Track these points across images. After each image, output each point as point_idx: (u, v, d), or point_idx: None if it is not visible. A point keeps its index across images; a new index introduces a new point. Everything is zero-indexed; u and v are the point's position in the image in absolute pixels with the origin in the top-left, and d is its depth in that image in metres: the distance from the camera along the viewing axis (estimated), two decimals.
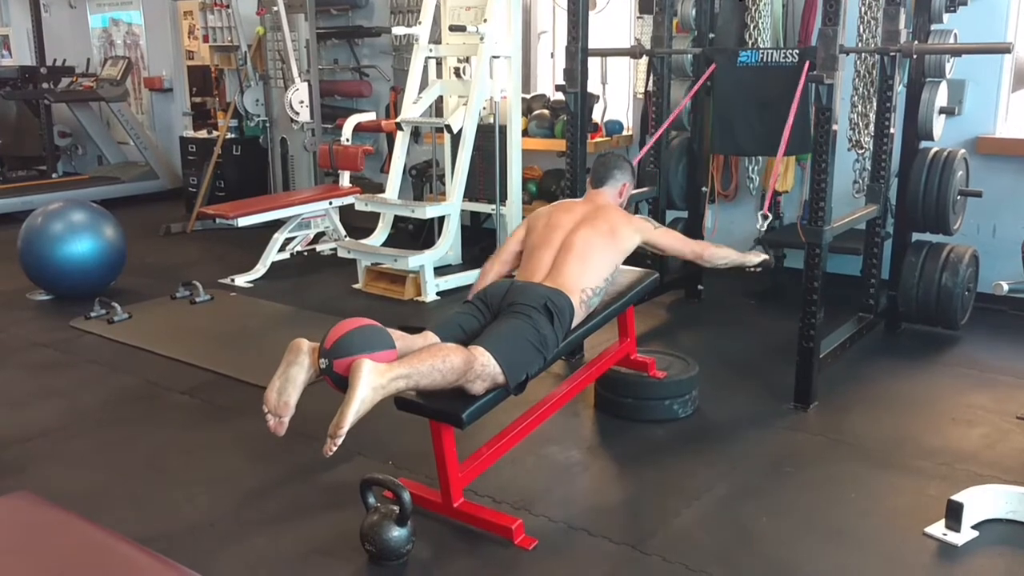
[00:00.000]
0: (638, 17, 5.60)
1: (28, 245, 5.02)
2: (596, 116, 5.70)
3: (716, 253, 3.39)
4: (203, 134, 7.72)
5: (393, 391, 2.39)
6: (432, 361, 2.42)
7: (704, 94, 4.60)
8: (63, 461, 3.19)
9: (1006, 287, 3.33)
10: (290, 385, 2.41)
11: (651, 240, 3.22)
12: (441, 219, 5.37)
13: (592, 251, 3.01)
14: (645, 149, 4.47)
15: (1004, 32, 4.50)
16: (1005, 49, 3.77)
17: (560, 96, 5.73)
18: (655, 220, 3.41)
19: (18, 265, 5.12)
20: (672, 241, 3.33)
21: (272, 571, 2.50)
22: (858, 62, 4.29)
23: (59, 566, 1.69)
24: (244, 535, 2.68)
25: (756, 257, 3.53)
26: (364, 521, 2.50)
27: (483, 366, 2.52)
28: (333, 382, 2.40)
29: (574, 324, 2.93)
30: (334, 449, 2.29)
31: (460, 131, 5.20)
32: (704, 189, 4.91)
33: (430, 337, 2.65)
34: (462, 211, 5.45)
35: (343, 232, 6.01)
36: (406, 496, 2.45)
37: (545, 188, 5.91)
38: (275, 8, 6.69)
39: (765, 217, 3.61)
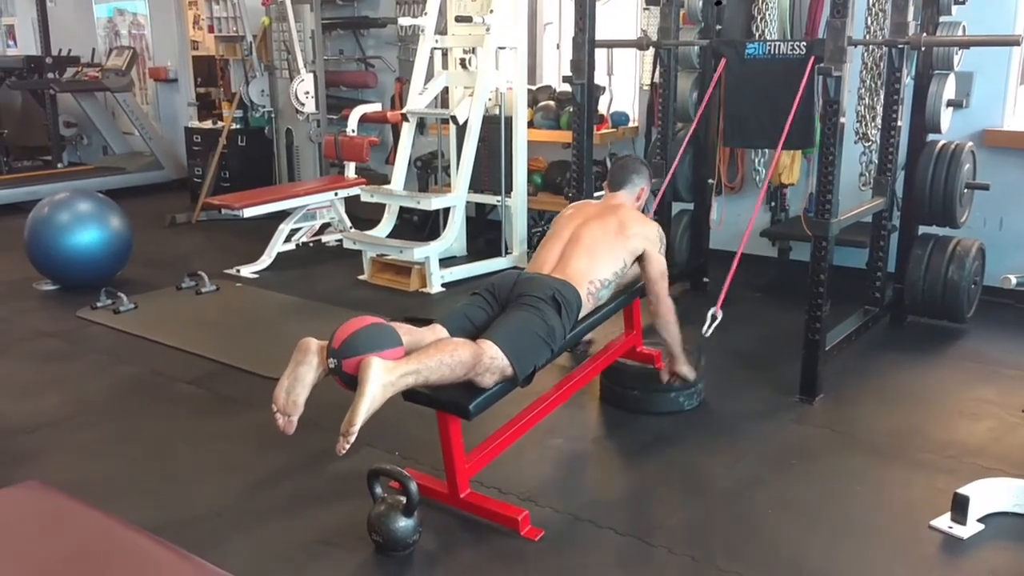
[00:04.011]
0: (645, 8, 5.58)
1: (34, 235, 5.03)
2: (602, 107, 5.69)
3: (669, 322, 3.26)
4: (208, 125, 7.72)
5: (403, 387, 2.40)
6: (440, 356, 2.43)
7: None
8: (71, 451, 3.21)
9: (1014, 280, 3.33)
10: (299, 384, 2.43)
11: (648, 256, 3.15)
12: (446, 210, 5.37)
13: (600, 244, 3.03)
14: (678, 157, 4.42)
15: (1013, 24, 4.47)
16: (1014, 42, 3.75)
17: (566, 87, 5.71)
18: (663, 242, 3.25)
19: (24, 255, 5.13)
20: (655, 273, 3.18)
21: (279, 560, 2.51)
22: (865, 54, 4.27)
23: (70, 555, 1.70)
24: (251, 524, 2.69)
25: (686, 367, 3.34)
26: (371, 511, 2.51)
27: (492, 359, 2.53)
28: (343, 381, 2.41)
29: (581, 315, 2.93)
30: (347, 447, 2.30)
31: (466, 122, 5.19)
32: (710, 181, 4.91)
33: (438, 330, 2.66)
34: (467, 202, 5.45)
35: (348, 223, 6.01)
36: (413, 487, 2.46)
37: (550, 179, 5.91)
38: None
39: (714, 319, 3.33)
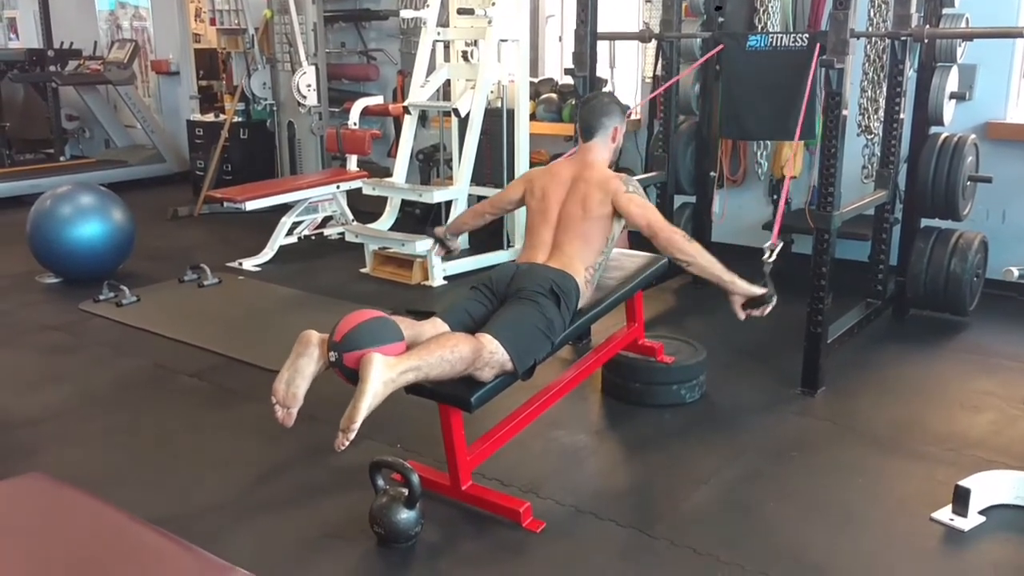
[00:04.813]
0: (647, 1, 5.57)
1: (37, 228, 5.04)
2: None
3: (679, 245, 2.86)
4: (210, 117, 7.71)
5: (403, 383, 2.40)
6: (441, 352, 2.43)
7: (713, 79, 4.59)
8: (73, 443, 3.22)
9: (1016, 273, 3.34)
10: (299, 376, 2.43)
11: (618, 206, 2.91)
12: (448, 203, 5.37)
13: (584, 226, 2.94)
14: (643, 100, 4.44)
15: (1016, 16, 4.46)
16: (1018, 34, 3.74)
17: (568, 80, 5.71)
18: (640, 192, 3.00)
19: (27, 248, 5.14)
20: (634, 210, 2.91)
21: (281, 552, 2.51)
22: (868, 46, 4.26)
23: (73, 546, 1.71)
24: (254, 516, 2.70)
25: (755, 288, 2.91)
26: (373, 503, 2.51)
27: (491, 353, 2.53)
28: (343, 374, 2.41)
29: (583, 303, 2.93)
30: (347, 443, 2.30)
31: (467, 115, 5.19)
32: (712, 174, 4.90)
33: (438, 324, 2.66)
34: (469, 195, 5.45)
35: (350, 216, 6.01)
36: (415, 479, 2.46)
37: None
38: None
39: (773, 249, 3.14)
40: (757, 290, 2.91)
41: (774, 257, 3.13)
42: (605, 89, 5.41)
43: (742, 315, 2.95)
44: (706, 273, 2.91)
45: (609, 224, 2.97)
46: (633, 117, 5.85)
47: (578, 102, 4.07)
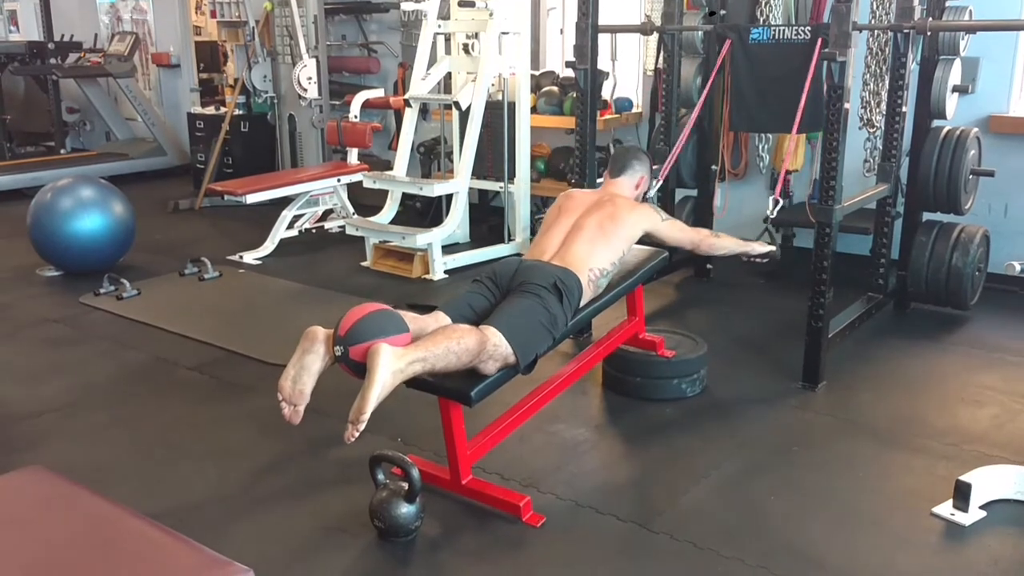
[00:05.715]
0: None
1: (37, 221, 5.03)
2: (606, 93, 5.67)
3: (714, 244, 3.40)
4: (211, 110, 7.70)
5: (411, 374, 2.39)
6: (447, 343, 2.42)
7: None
8: (74, 436, 3.22)
9: (1018, 267, 3.32)
10: (305, 373, 2.42)
11: (656, 231, 3.21)
12: (449, 197, 5.36)
13: (599, 235, 3.02)
14: (678, 148, 4.38)
15: (1020, 9, 4.43)
16: (1021, 27, 3.73)
17: (569, 73, 5.69)
18: (664, 211, 3.37)
19: (28, 241, 5.13)
20: (676, 234, 3.31)
21: (281, 546, 2.51)
22: (870, 39, 4.24)
23: (71, 539, 1.71)
24: (253, 510, 2.70)
25: (761, 247, 3.47)
26: (373, 497, 2.51)
27: (495, 346, 2.52)
28: (350, 369, 2.40)
29: (582, 303, 2.93)
30: (356, 435, 2.29)
31: (468, 108, 5.17)
32: (714, 167, 4.89)
33: (441, 317, 2.65)
34: (470, 189, 5.44)
35: (351, 209, 6.00)
36: (415, 473, 2.46)
37: (554, 166, 5.89)
38: None
39: (776, 202, 3.56)
40: (768, 247, 3.48)
41: (775, 212, 3.60)
42: (610, 77, 5.41)
43: (745, 258, 3.53)
44: (732, 250, 3.44)
45: (626, 244, 3.10)
46: (634, 110, 5.85)
47: (578, 95, 4.07)
